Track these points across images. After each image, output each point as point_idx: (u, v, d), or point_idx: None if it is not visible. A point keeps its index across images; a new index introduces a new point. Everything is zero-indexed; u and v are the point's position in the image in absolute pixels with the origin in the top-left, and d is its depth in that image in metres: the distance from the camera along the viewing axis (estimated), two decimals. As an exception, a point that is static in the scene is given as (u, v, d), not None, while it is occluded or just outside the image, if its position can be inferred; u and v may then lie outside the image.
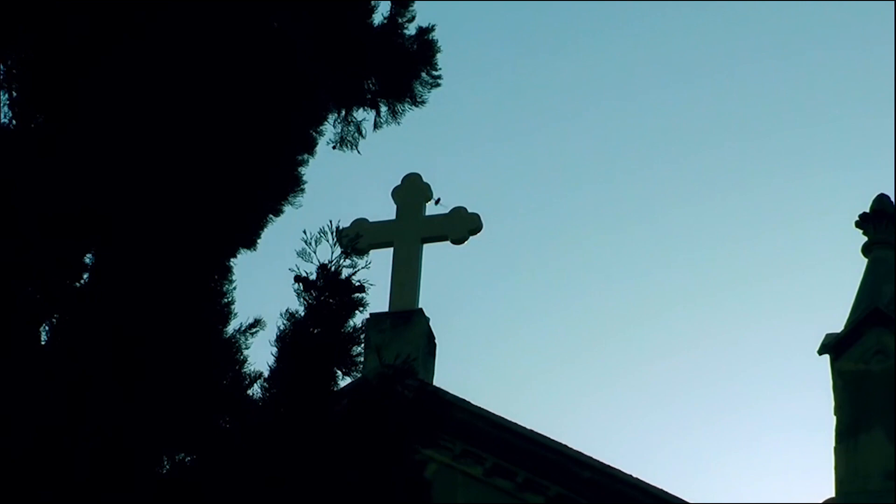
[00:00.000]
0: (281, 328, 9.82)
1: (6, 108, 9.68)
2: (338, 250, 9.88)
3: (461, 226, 17.35)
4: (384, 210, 17.31)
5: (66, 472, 9.00)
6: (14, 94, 9.69)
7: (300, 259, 9.84)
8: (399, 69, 10.45)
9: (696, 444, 32.13)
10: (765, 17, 34.46)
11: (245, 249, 10.00)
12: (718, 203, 33.18)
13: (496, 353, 29.52)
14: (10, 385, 9.18)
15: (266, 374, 9.76)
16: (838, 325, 16.19)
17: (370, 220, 17.06)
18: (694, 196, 33.38)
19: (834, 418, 16.05)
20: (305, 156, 10.10)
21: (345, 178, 18.42)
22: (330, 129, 10.39)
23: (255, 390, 9.72)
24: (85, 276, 9.74)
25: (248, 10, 9.74)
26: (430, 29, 10.54)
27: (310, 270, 9.89)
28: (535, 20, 34.18)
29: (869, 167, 32.86)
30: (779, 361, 31.03)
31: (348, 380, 9.96)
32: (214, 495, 9.31)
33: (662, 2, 33.66)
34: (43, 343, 9.59)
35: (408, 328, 16.74)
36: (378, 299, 16.28)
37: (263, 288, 10.31)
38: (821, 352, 16.14)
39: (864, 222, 16.55)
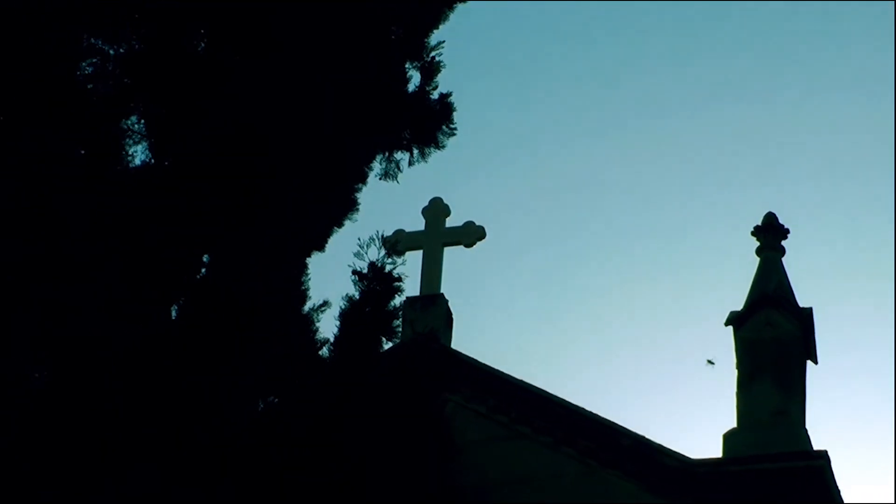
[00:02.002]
0: (342, 307, 10.00)
1: (147, 152, 9.55)
2: (382, 252, 10.13)
3: (471, 235, 17.48)
4: (416, 223, 17.44)
5: (203, 406, 8.94)
6: (152, 140, 9.57)
7: (356, 258, 10.10)
8: (426, 123, 10.50)
9: (639, 392, 31.97)
10: (655, 35, 33.25)
11: (317, 251, 10.11)
12: (661, 209, 32.81)
13: (496, 326, 29.48)
14: (150, 347, 8.97)
15: (331, 339, 9.90)
16: (739, 305, 16.40)
17: (406, 230, 17.23)
18: (621, 197, 32.95)
19: (736, 371, 16.24)
20: (360, 185, 10.26)
21: (387, 201, 18.48)
22: (377, 166, 10.44)
23: (324, 351, 9.84)
24: (203, 270, 9.68)
25: (329, 78, 9.70)
26: (448, 94, 10.62)
27: (363, 266, 10.08)
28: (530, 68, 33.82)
29: (761, 188, 32.69)
30: (700, 331, 30.93)
31: (390, 344, 10.20)
32: (295, 429, 9.35)
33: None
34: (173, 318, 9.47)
35: (433, 307, 16.85)
36: (411, 287, 16.44)
37: (330, 279, 10.55)
38: (727, 324, 16.26)
39: (757, 232, 16.78)
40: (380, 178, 10.55)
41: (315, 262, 10.10)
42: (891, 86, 30.65)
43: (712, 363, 17.37)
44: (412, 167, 10.68)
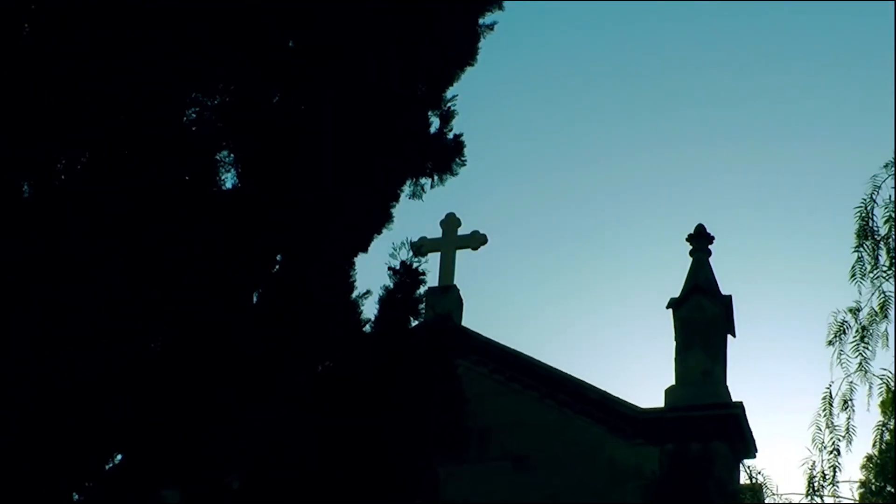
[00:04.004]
0: (381, 295, 9.94)
1: (235, 178, 9.47)
2: (410, 253, 10.07)
3: (477, 241, 17.52)
4: (435, 232, 17.55)
5: (283, 365, 8.94)
6: (239, 169, 9.50)
7: (390, 258, 10.04)
8: (444, 156, 10.44)
9: (603, 358, 32.04)
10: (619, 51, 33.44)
11: (362, 253, 10.08)
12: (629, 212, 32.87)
13: (497, 308, 29.59)
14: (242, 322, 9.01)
15: (372, 319, 9.85)
16: (677, 293, 16.48)
17: (428, 237, 17.29)
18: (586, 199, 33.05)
19: (674, 342, 16.31)
20: (394, 203, 10.20)
21: (414, 214, 18.63)
22: (407, 189, 10.38)
23: (367, 328, 9.79)
24: (276, 267, 9.61)
25: (373, 124, 9.69)
26: (460, 134, 10.55)
27: (396, 264, 10.01)
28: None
29: (694, 204, 32.74)
30: (649, 313, 31.01)
31: (416, 322, 10.14)
32: (347, 385, 9.32)
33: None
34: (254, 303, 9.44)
35: (448, 295, 16.93)
36: (432, 280, 16.54)
37: (371, 273, 10.62)
38: (668, 307, 16.37)
39: (690, 239, 16.82)
40: (409, 198, 10.50)
41: (360, 260, 10.09)
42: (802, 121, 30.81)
43: None
44: (433, 189, 10.65)
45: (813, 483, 10.66)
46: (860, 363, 10.56)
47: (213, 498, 8.79)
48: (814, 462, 10.63)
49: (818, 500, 10.59)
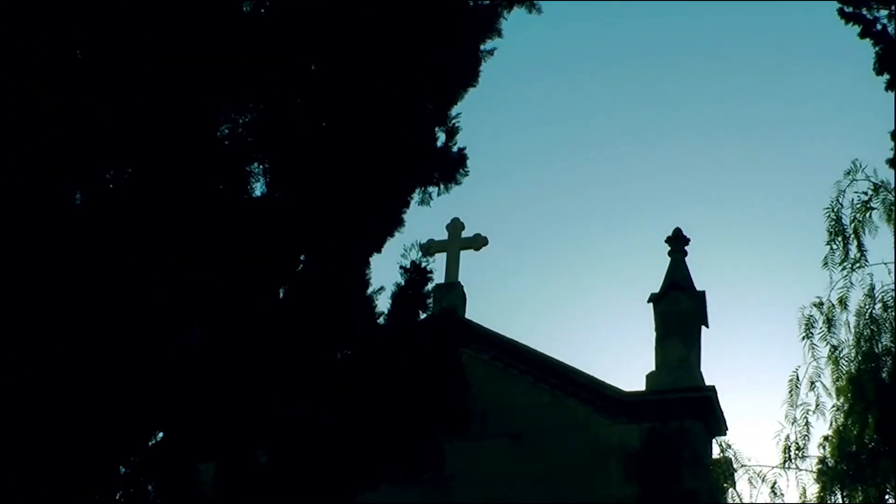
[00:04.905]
0: (393, 291, 9.89)
1: (264, 187, 9.43)
2: (419, 254, 10.06)
3: (479, 242, 17.52)
4: (441, 234, 17.55)
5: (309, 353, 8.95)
6: (267, 179, 9.45)
7: (402, 258, 10.02)
8: (449, 168, 10.38)
9: (591, 347, 32.06)
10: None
11: (376, 253, 10.02)
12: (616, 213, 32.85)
13: (498, 302, 29.62)
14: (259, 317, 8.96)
15: (386, 312, 9.82)
16: (657, 289, 16.48)
17: (435, 239, 17.30)
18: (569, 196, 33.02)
19: (654, 333, 16.30)
20: (405, 209, 10.12)
21: (423, 219, 18.65)
22: (416, 196, 10.28)
23: (381, 321, 9.76)
24: (300, 267, 9.60)
25: (387, 139, 9.65)
26: (464, 148, 10.50)
27: (406, 263, 9.98)
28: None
29: (672, 210, 32.74)
30: (633, 307, 31.04)
31: (425, 315, 10.12)
32: (364, 368, 9.31)
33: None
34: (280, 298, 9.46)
35: (453, 291, 16.98)
36: (438, 277, 16.57)
37: (385, 272, 10.59)
38: (648, 301, 16.37)
39: (668, 241, 16.81)
40: (418, 204, 10.46)
41: (375, 260, 10.07)
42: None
43: None
44: (440, 197, 10.61)
45: (788, 452, 10.94)
46: (829, 352, 10.89)
47: (244, 470, 8.83)
48: (787, 435, 10.89)
49: (794, 468, 10.85)
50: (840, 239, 11.06)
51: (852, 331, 10.90)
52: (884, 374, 10.61)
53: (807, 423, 10.93)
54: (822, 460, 11.05)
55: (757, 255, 32.42)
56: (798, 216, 33.31)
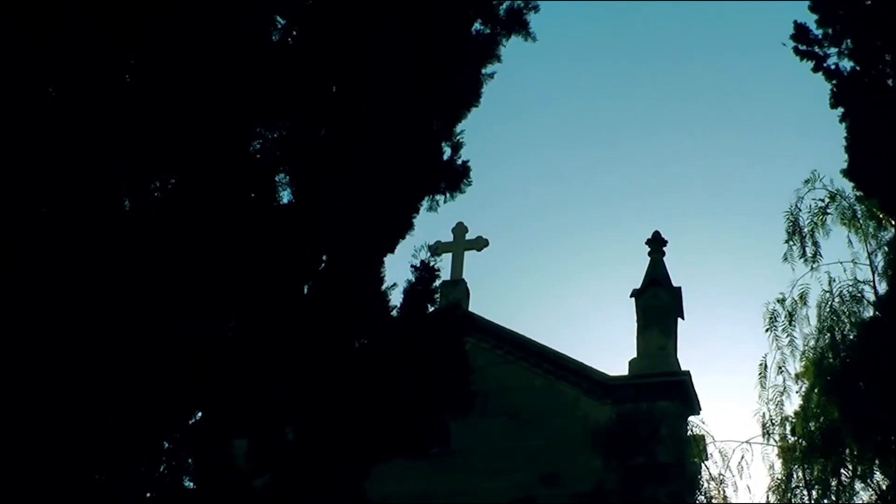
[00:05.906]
0: (405, 287, 9.75)
1: (291, 195, 9.30)
2: (428, 254, 9.92)
3: (481, 244, 17.52)
4: (447, 237, 17.56)
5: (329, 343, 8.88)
6: (293, 188, 9.30)
7: (412, 258, 9.88)
8: (454, 178, 10.27)
9: (580, 336, 31.95)
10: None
11: (390, 254, 9.90)
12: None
13: (497, 296, 29.58)
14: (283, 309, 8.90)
15: (398, 306, 9.68)
16: (638, 285, 16.43)
17: (442, 241, 17.28)
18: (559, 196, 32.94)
19: (636, 324, 16.26)
20: (415, 214, 10.02)
21: (431, 224, 18.68)
22: (425, 203, 10.17)
23: (394, 314, 9.64)
24: (322, 265, 9.44)
25: (400, 153, 9.59)
26: (467, 161, 10.38)
27: (416, 263, 9.82)
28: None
29: (651, 213, 32.68)
30: (617, 301, 30.99)
31: (433, 308, 9.90)
32: (379, 357, 9.24)
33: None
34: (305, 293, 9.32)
35: (458, 287, 16.99)
36: (445, 275, 16.55)
37: (397, 270, 10.54)
38: (631, 296, 16.37)
39: (648, 242, 16.78)
40: (427, 211, 10.36)
41: (388, 260, 9.99)
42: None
43: None
44: (446, 204, 10.51)
45: (765, 427, 11.43)
46: (790, 341, 11.48)
47: (275, 446, 8.79)
48: (764, 412, 11.43)
49: (773, 441, 11.29)
50: (797, 238, 11.58)
51: (814, 322, 11.29)
52: (843, 359, 10.82)
53: (780, 403, 11.37)
54: (783, 437, 11.20)
55: (727, 254, 32.40)
56: (764, 221, 33.29)
